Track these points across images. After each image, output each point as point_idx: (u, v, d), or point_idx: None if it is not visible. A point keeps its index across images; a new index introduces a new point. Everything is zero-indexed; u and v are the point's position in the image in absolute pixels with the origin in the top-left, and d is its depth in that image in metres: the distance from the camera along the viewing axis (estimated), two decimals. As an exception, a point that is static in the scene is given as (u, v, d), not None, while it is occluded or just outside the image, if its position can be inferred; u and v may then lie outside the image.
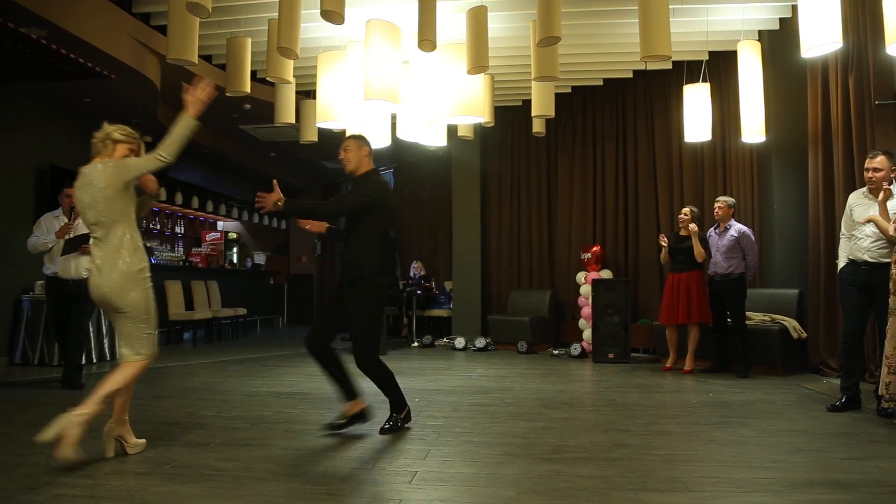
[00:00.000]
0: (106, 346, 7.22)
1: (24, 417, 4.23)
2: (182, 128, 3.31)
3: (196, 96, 3.33)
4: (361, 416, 3.82)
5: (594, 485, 2.79)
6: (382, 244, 3.77)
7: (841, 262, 4.56)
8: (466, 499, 2.64)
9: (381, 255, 3.76)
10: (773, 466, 3.07)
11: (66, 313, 5.50)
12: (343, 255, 3.87)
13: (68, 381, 5.41)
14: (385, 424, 3.80)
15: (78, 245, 5.26)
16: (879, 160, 4.36)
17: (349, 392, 3.80)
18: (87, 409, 3.04)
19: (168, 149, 3.28)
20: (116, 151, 3.39)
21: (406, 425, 3.88)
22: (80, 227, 5.39)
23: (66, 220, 5.60)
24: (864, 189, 4.52)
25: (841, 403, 4.42)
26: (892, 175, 4.37)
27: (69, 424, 2.98)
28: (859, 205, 4.50)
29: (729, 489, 2.74)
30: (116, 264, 3.27)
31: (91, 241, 3.36)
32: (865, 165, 4.45)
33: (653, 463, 3.14)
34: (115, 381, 3.19)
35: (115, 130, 3.40)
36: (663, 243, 6.50)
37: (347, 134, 4.14)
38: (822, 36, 4.25)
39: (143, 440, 3.43)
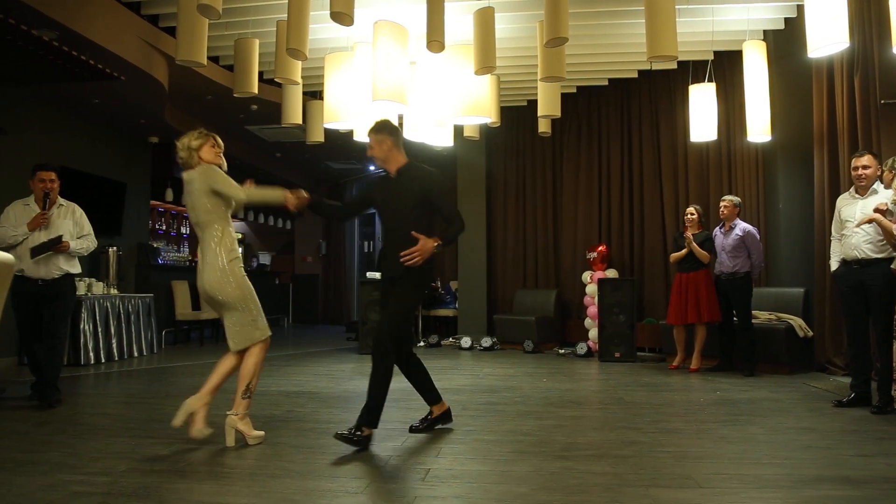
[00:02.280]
0: (113, 345, 7.28)
1: (39, 417, 4.27)
2: (274, 196, 3.69)
3: (294, 202, 3.65)
4: (446, 417, 3.87)
5: (605, 481, 2.82)
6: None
7: (833, 265, 4.63)
8: (480, 495, 2.67)
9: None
10: (781, 463, 3.09)
11: (34, 317, 4.74)
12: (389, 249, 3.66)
13: (43, 396, 4.64)
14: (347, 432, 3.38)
15: (50, 248, 4.67)
16: (867, 158, 4.48)
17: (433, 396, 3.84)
18: (205, 396, 3.47)
19: (253, 196, 3.66)
20: (202, 155, 3.59)
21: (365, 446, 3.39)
22: (56, 223, 4.78)
23: (40, 209, 4.78)
24: (851, 190, 4.62)
25: (848, 400, 4.46)
26: (879, 173, 4.46)
27: (193, 407, 3.43)
28: (847, 205, 4.59)
29: (738, 485, 2.77)
30: (212, 261, 3.50)
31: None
32: (854, 164, 4.54)
33: (663, 460, 3.17)
34: (218, 374, 3.52)
35: (189, 140, 3.59)
36: (694, 247, 6.39)
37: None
38: (828, 36, 4.28)
39: (262, 432, 3.57)
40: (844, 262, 4.51)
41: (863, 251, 4.36)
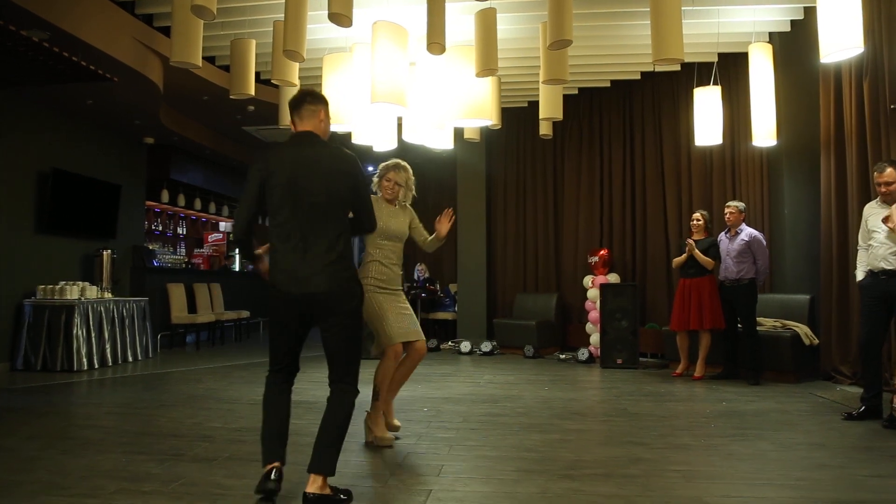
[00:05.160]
0: (107, 351, 7.15)
1: (28, 430, 4.15)
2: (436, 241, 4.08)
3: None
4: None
5: (615, 505, 2.72)
6: (279, 244, 2.82)
7: (859, 275, 4.51)
8: (484, 521, 2.57)
9: (273, 248, 2.87)
10: (796, 484, 2.98)
11: None
12: None
13: None
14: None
15: None
16: (889, 172, 4.35)
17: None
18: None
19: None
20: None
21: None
22: None
23: None
24: (878, 199, 4.48)
25: (858, 413, 4.36)
26: None
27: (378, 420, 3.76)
28: (873, 214, 4.45)
29: (753, 510, 2.66)
30: None
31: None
32: (876, 180, 4.44)
33: (673, 480, 3.06)
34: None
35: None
36: (695, 252, 6.29)
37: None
38: (842, 41, 4.16)
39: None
40: (871, 273, 4.39)
41: (890, 262, 4.24)
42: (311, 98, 2.99)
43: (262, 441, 2.83)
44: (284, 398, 2.93)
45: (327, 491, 2.67)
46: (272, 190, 2.81)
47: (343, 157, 2.92)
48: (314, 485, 2.65)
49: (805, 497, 2.81)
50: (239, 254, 3.08)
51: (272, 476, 2.70)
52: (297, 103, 2.98)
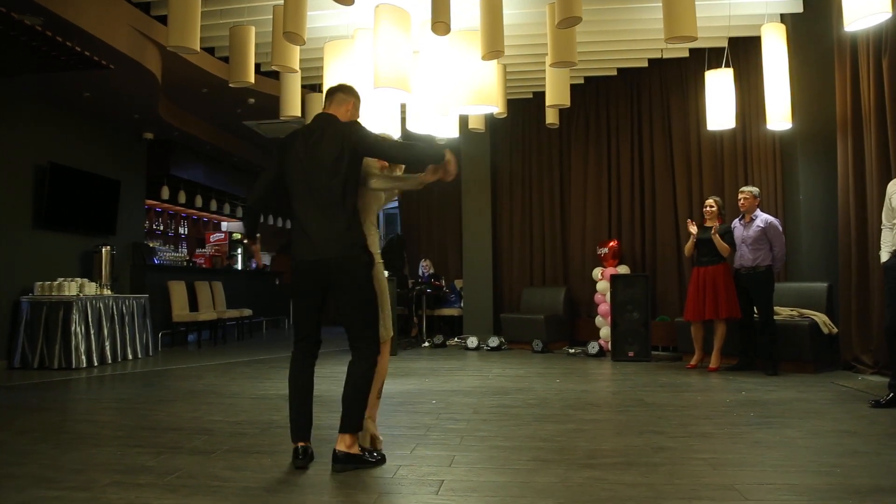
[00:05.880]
0: (107, 348, 6.99)
1: (21, 424, 3.99)
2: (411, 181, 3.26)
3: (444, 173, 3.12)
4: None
5: (641, 493, 2.53)
6: (295, 216, 3.06)
7: (884, 256, 4.32)
8: (501, 511, 2.39)
9: (293, 229, 3.11)
10: (830, 471, 2.80)
11: None
12: None
13: None
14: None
15: None
16: None
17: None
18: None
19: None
20: None
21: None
22: None
23: None
24: None
25: (886, 400, 4.17)
26: None
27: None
28: None
29: (788, 497, 2.48)
30: None
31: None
32: None
33: (699, 468, 2.88)
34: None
35: None
36: (693, 230, 6.22)
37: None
38: (868, 6, 3.98)
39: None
40: None
41: None
42: (346, 89, 3.20)
43: (290, 418, 3.01)
44: (308, 370, 3.08)
45: (356, 450, 2.84)
46: (288, 171, 3.04)
47: (338, 128, 3.02)
48: (342, 443, 2.84)
49: (842, 483, 2.63)
50: (243, 224, 3.16)
51: (300, 455, 2.92)
52: (332, 91, 3.18)
